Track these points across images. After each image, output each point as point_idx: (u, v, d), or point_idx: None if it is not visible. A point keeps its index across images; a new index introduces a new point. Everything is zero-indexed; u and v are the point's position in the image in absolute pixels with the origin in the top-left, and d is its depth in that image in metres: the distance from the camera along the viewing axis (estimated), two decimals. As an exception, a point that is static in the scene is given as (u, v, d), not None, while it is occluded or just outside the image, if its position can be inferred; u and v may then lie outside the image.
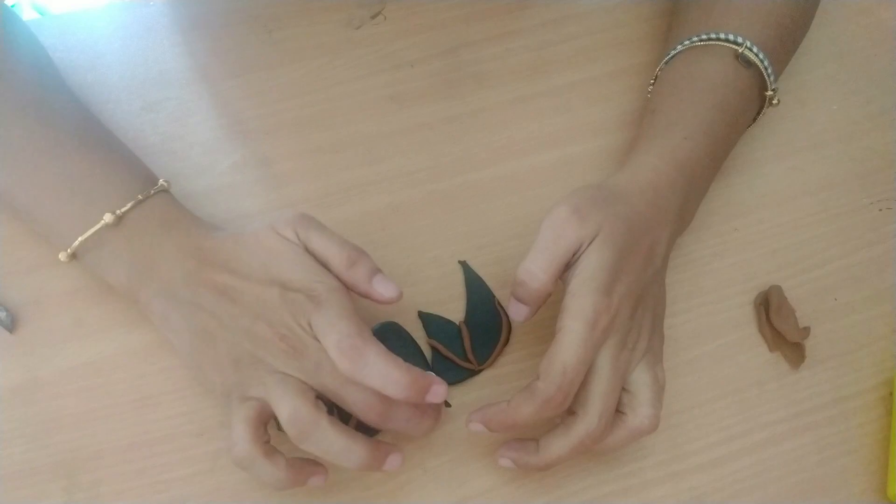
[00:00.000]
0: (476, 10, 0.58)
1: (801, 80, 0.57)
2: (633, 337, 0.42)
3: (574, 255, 0.41)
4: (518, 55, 0.57)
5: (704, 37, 0.49)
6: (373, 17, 0.57)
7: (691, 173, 0.46)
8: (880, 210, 0.53)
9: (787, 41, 0.51)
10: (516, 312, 0.42)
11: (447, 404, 0.46)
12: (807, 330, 0.49)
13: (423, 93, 0.55)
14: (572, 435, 0.40)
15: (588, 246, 0.41)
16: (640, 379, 0.41)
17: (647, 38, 0.57)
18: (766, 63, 0.48)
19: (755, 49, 0.48)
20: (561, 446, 0.40)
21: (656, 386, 0.41)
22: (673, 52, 0.50)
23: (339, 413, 0.42)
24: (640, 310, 0.42)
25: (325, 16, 0.57)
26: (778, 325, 0.49)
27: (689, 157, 0.46)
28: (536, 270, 0.41)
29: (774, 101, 0.50)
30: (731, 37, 0.48)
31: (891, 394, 0.48)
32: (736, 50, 0.48)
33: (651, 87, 0.52)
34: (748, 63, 0.48)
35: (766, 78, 0.49)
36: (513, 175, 0.53)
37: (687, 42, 0.49)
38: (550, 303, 0.49)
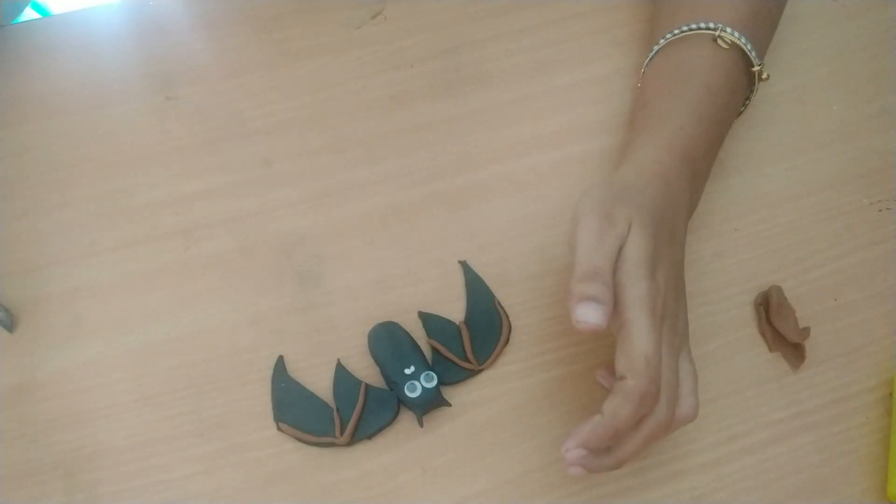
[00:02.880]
0: (476, 10, 0.58)
1: (801, 80, 0.57)
2: (680, 321, 0.41)
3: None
4: (518, 55, 0.56)
5: (677, 31, 0.49)
6: (373, 17, 0.57)
7: (693, 159, 0.46)
8: (880, 210, 0.53)
9: (762, 16, 0.51)
10: (595, 315, 0.37)
11: (447, 404, 0.46)
12: (807, 330, 0.49)
13: (423, 93, 0.55)
14: (645, 428, 0.39)
15: (626, 240, 0.40)
16: (683, 368, 0.41)
17: (647, 38, 0.57)
18: (743, 41, 0.48)
19: (729, 30, 0.48)
20: (635, 441, 0.39)
21: (696, 373, 0.41)
22: (652, 52, 0.51)
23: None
24: (679, 294, 0.42)
25: (325, 16, 0.57)
26: (778, 325, 0.49)
27: (687, 144, 0.46)
28: (600, 262, 0.38)
29: (763, 77, 0.50)
30: (702, 24, 0.49)
31: (891, 394, 0.48)
32: (713, 35, 0.48)
33: (638, 86, 0.52)
34: (728, 45, 0.48)
35: (749, 54, 0.49)
36: (513, 175, 0.53)
37: (662, 40, 0.50)
38: (551, 303, 0.49)
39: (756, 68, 0.50)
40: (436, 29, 0.57)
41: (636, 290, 0.38)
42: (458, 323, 0.48)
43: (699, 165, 0.47)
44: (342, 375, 0.47)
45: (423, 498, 0.44)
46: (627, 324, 0.38)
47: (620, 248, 0.40)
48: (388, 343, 0.47)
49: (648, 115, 0.49)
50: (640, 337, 0.38)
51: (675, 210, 0.44)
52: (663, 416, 0.39)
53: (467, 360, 0.47)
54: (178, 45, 0.55)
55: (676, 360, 0.40)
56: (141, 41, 0.55)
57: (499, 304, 0.49)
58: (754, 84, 0.51)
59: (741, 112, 0.52)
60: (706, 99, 0.48)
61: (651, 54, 0.51)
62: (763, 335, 0.49)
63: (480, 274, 0.50)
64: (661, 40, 0.50)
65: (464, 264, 0.50)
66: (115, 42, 0.55)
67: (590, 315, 0.37)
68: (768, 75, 0.51)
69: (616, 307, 0.38)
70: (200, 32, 0.56)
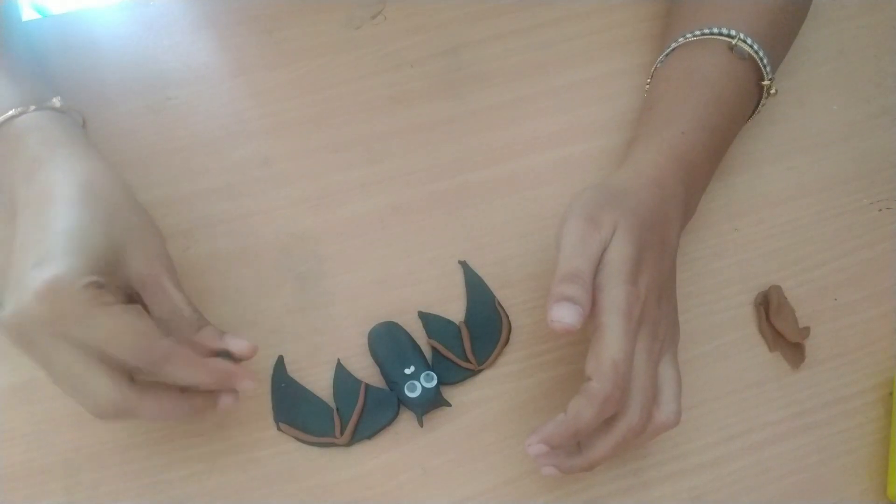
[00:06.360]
0: (476, 10, 0.58)
1: (801, 80, 0.57)
2: (662, 327, 0.41)
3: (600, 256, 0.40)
4: (518, 55, 0.56)
5: (698, 32, 0.49)
6: (373, 17, 0.57)
7: (692, 167, 0.46)
8: (880, 210, 0.53)
9: (781, 31, 0.51)
10: (571, 314, 0.38)
11: (447, 404, 0.46)
12: (807, 330, 0.49)
13: (423, 93, 0.55)
14: (616, 432, 0.39)
15: (609, 244, 0.40)
16: (666, 373, 0.41)
17: (647, 38, 0.57)
18: (760, 54, 0.48)
19: (749, 40, 0.48)
20: (605, 444, 0.40)
21: (679, 380, 0.41)
22: (668, 50, 0.50)
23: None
24: (664, 300, 0.42)
25: (325, 16, 0.57)
26: (778, 325, 0.49)
27: (688, 151, 0.46)
28: (582, 265, 0.39)
29: (772, 91, 0.50)
30: (723, 30, 0.48)
31: (891, 394, 0.48)
32: (730, 42, 0.48)
33: (648, 84, 0.52)
34: (743, 55, 0.48)
35: (763, 68, 0.49)
36: (513, 175, 0.53)
37: (681, 39, 0.50)
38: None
39: (766, 82, 0.50)
40: (436, 29, 0.57)
41: (614, 295, 0.39)
42: (458, 323, 0.48)
43: (698, 172, 0.47)
44: (342, 375, 0.47)
45: (423, 498, 0.45)
46: (601, 327, 0.38)
47: (604, 252, 0.40)
48: (388, 343, 0.47)
49: (653, 118, 0.49)
50: (611, 341, 0.38)
51: (668, 216, 0.44)
52: (635, 422, 0.39)
53: (467, 360, 0.47)
54: (178, 45, 0.55)
55: (655, 366, 0.40)
56: (141, 41, 0.55)
57: (499, 304, 0.49)
58: (763, 97, 0.51)
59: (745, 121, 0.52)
60: (713, 107, 0.47)
61: (666, 51, 0.51)
62: (763, 335, 0.49)
63: (480, 274, 0.50)
64: (681, 38, 0.50)
65: (464, 264, 0.50)
66: (115, 42, 0.55)
67: (565, 315, 0.38)
68: (777, 90, 0.50)
69: (593, 310, 0.39)
70: (200, 32, 0.56)
